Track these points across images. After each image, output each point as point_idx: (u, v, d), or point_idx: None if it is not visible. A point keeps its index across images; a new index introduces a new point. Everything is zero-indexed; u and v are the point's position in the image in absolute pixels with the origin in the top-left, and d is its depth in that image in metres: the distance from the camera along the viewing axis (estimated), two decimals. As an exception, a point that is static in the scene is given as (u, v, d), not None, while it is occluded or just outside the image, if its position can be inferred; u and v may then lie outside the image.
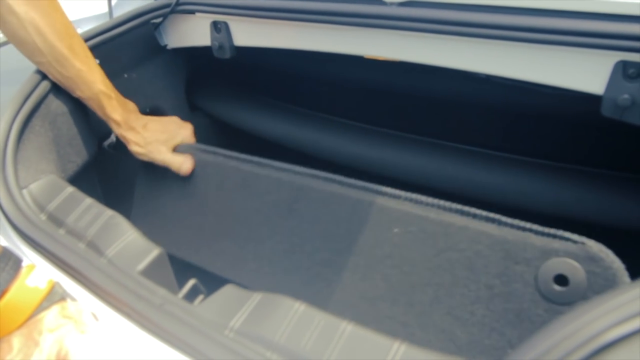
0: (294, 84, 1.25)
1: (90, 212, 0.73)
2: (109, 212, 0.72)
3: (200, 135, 1.38)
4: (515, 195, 0.88)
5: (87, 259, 0.66)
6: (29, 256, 0.68)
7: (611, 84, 0.70)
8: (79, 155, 0.99)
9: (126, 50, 1.14)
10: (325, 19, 0.89)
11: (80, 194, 0.78)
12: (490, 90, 0.85)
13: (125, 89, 1.14)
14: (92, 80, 0.88)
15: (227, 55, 1.08)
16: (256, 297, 0.57)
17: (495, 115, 0.94)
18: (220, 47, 1.08)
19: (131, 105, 0.97)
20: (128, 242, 0.68)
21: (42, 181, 0.82)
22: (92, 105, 0.91)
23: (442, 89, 0.92)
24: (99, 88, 0.89)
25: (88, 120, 1.04)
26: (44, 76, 0.94)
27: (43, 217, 0.76)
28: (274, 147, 1.36)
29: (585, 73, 0.72)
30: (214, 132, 1.38)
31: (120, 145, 1.16)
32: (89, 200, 0.76)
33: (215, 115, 1.34)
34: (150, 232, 1.18)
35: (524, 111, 0.89)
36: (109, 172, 1.19)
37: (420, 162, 1.00)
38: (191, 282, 0.64)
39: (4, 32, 0.83)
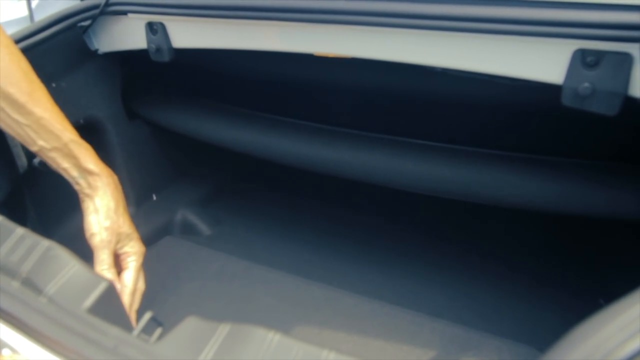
0: (240, 85, 1.19)
1: (24, 244, 0.65)
2: (45, 243, 0.64)
3: (142, 145, 1.30)
4: (476, 187, 0.86)
5: (23, 299, 0.58)
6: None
7: (570, 73, 0.69)
8: (4, 177, 0.89)
9: (52, 58, 1.04)
10: (269, 15, 0.84)
11: (9, 224, 0.69)
12: (448, 85, 0.83)
13: (54, 100, 1.05)
14: (59, 128, 0.76)
15: (166, 58, 1.00)
16: (223, 329, 0.51)
17: (454, 109, 0.92)
18: (158, 49, 1.00)
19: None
20: (70, 275, 0.60)
21: (-37, 212, 0.72)
22: (56, 158, 0.79)
23: (397, 85, 0.89)
24: (69, 136, 0.77)
25: (13, 138, 0.94)
26: None
27: (-33, 253, 0.66)
28: (222, 154, 1.30)
29: (543, 63, 0.71)
30: (155, 139, 1.30)
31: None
32: (20, 230, 0.67)
33: (156, 122, 1.25)
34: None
35: (483, 104, 0.87)
36: (43, 193, 1.09)
37: (374, 159, 0.97)
38: (147, 316, 0.57)
39: None
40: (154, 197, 1.31)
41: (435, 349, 0.85)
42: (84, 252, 1.14)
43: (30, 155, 1.01)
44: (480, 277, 1.07)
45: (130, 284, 0.81)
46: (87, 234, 0.81)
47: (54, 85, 1.04)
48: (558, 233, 1.17)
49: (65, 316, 0.55)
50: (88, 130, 1.14)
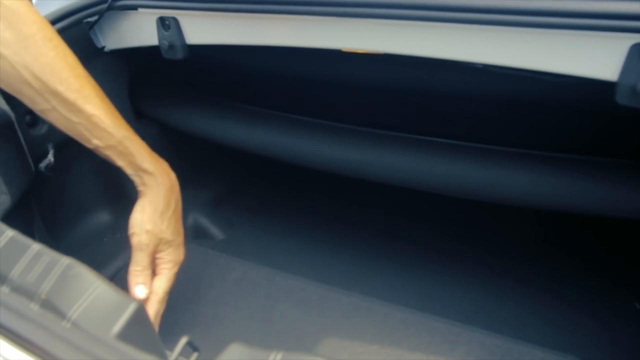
0: (257, 83, 1.14)
1: (41, 261, 0.59)
2: (65, 260, 0.58)
3: (149, 146, 1.24)
4: (519, 190, 0.82)
5: (45, 324, 0.52)
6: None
7: (627, 68, 0.64)
8: (11, 185, 0.83)
9: (57, 56, 0.98)
10: (294, 9, 0.78)
11: (23, 239, 0.63)
12: (487, 82, 0.78)
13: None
14: (112, 125, 0.73)
15: (180, 55, 0.94)
16: (275, 357, 0.46)
17: (491, 108, 0.87)
18: (171, 46, 0.94)
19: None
20: (95, 297, 0.55)
21: (-29, 226, 0.67)
22: (111, 155, 0.75)
23: (430, 82, 0.84)
24: (123, 134, 0.74)
25: (18, 142, 0.88)
26: None
27: (-22, 272, 0.61)
28: (231, 155, 1.24)
29: (596, 58, 0.66)
30: (163, 141, 1.24)
31: (60, 165, 1.01)
32: (36, 246, 0.61)
33: (165, 122, 1.19)
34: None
35: (523, 102, 0.82)
36: (50, 200, 1.03)
37: (406, 162, 0.92)
38: (183, 341, 0.52)
39: None
40: (164, 201, 1.25)
41: None
42: (93, 259, 1.09)
43: (37, 160, 0.96)
44: (507, 281, 1.03)
45: (160, 292, 0.79)
46: (130, 232, 0.78)
47: (59, 84, 0.98)
48: (587, 235, 1.13)
49: (93, 344, 0.50)
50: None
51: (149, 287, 0.77)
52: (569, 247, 1.11)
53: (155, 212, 0.77)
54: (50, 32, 0.71)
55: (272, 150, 1.09)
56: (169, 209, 0.79)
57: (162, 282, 0.79)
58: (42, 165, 0.98)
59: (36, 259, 0.60)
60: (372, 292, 0.97)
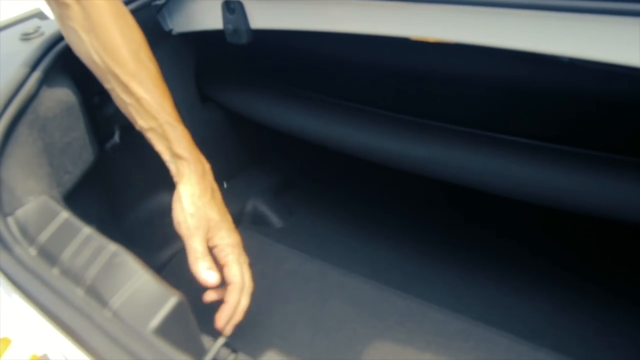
0: (321, 70, 1.10)
1: (89, 246, 0.59)
2: (111, 248, 0.58)
3: (213, 130, 1.24)
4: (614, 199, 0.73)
5: (87, 312, 0.52)
6: (3, 319, 0.54)
7: None
8: (76, 164, 0.85)
9: (125, 38, 0.98)
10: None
11: (76, 222, 0.63)
12: (573, 78, 0.70)
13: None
14: (156, 109, 0.75)
15: (244, 40, 0.92)
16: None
17: (580, 108, 0.78)
18: (235, 31, 0.92)
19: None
20: (137, 287, 0.54)
21: (31, 205, 0.68)
22: (152, 139, 0.77)
23: (509, 77, 0.76)
24: (165, 118, 0.76)
25: (86, 121, 0.89)
26: (29, 73, 0.79)
27: (33, 251, 0.62)
28: (296, 142, 1.22)
29: None
30: (227, 125, 1.23)
31: (126, 146, 1.02)
32: (87, 230, 0.62)
33: (230, 107, 1.19)
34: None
35: (615, 102, 0.73)
36: (115, 178, 1.05)
37: (471, 160, 0.85)
38: (220, 342, 0.50)
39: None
40: (225, 185, 1.25)
41: None
42: (153, 240, 1.11)
43: (102, 140, 0.97)
44: (583, 296, 0.93)
45: (236, 280, 0.75)
46: (175, 224, 0.75)
47: (127, 67, 0.99)
48: None
49: (130, 339, 0.49)
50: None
51: (216, 271, 0.73)
52: None
53: (194, 196, 0.75)
54: (122, 17, 0.75)
55: (333, 141, 1.05)
56: (207, 192, 0.77)
57: (233, 269, 0.75)
58: (108, 145, 1.00)
59: (85, 243, 0.60)
60: (432, 295, 0.92)
